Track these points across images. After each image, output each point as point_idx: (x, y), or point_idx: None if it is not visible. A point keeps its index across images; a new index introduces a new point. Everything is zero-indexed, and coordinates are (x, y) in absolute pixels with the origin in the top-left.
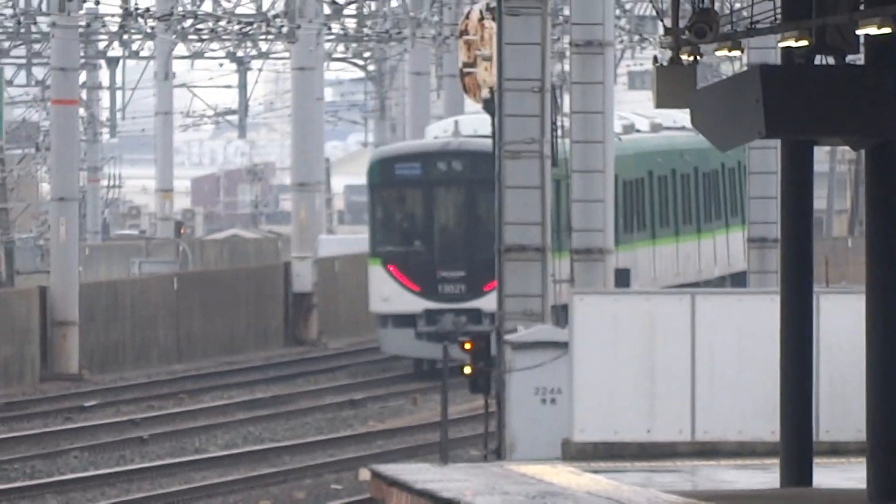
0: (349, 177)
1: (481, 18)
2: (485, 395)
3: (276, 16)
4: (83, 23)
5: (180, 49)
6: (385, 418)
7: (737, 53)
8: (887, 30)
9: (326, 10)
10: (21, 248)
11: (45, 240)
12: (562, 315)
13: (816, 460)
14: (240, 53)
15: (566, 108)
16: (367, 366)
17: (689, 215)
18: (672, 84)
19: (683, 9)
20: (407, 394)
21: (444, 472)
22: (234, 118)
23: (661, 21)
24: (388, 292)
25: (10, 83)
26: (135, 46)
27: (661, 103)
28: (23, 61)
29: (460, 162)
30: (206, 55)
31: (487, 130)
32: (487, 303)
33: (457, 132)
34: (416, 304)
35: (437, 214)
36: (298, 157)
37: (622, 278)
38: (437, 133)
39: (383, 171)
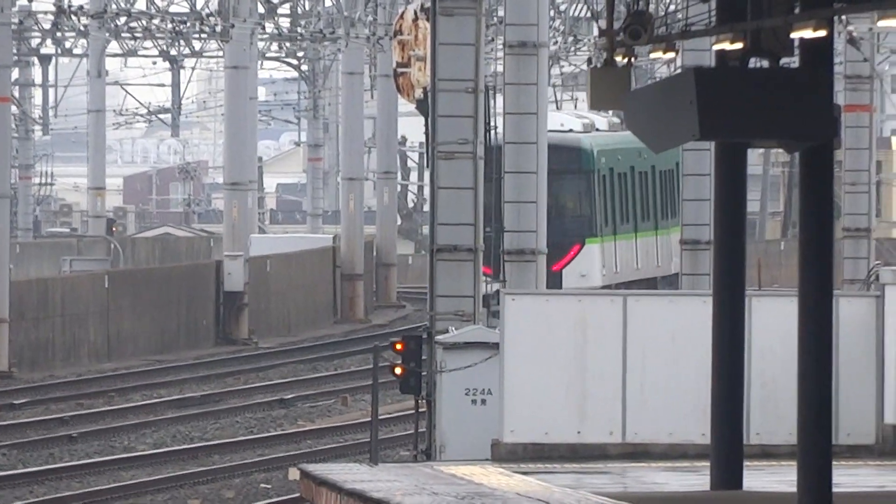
0: (282, 176)
1: (415, 19)
2: (415, 396)
3: (209, 14)
4: (16, 20)
5: (113, 47)
6: (315, 418)
7: (671, 55)
8: (822, 32)
9: (260, 9)
10: None
11: None
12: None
13: (747, 463)
14: (173, 52)
15: (499, 108)
16: (297, 365)
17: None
18: (606, 86)
19: (618, 10)
20: (337, 393)
21: (373, 473)
22: (166, 116)
23: (596, 22)
24: None
25: None
26: (68, 44)
27: (595, 105)
28: None
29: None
30: (139, 53)
31: (573, 125)
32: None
33: None
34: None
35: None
36: (231, 157)
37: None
38: None
39: None
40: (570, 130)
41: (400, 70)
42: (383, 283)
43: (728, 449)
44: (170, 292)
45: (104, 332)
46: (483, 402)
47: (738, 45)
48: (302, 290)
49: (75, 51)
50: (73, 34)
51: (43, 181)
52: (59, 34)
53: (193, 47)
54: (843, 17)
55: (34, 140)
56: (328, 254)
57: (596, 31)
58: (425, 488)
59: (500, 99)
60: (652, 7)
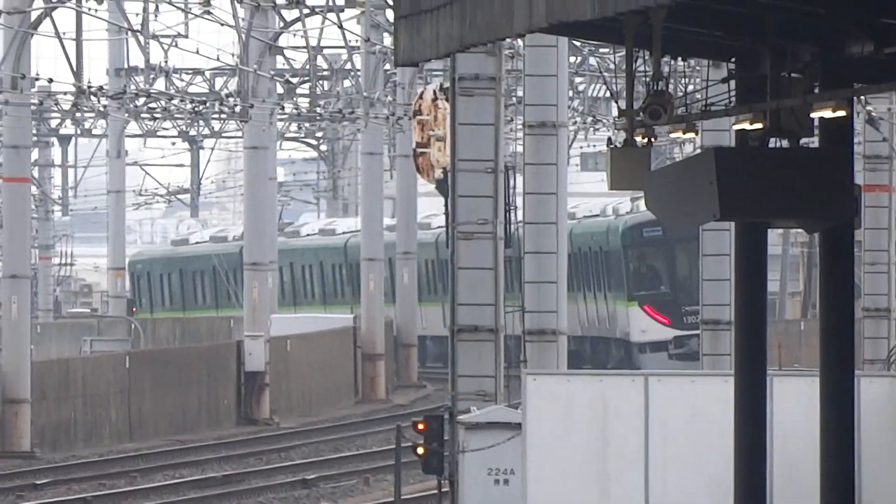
0: None
1: (434, 99)
2: (438, 476)
3: (228, 95)
4: (35, 100)
5: (133, 127)
6: (337, 498)
7: (691, 136)
8: (841, 113)
9: (279, 89)
10: None
11: None
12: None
13: None
14: (192, 132)
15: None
16: (319, 445)
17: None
18: (626, 166)
19: (637, 91)
20: (359, 473)
21: None
22: (186, 197)
23: (616, 102)
24: (645, 326)
25: None
26: (87, 124)
27: (615, 185)
28: None
29: None
30: (158, 134)
31: None
32: None
33: None
34: (667, 332)
35: (678, 264)
36: (251, 237)
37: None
38: None
39: (633, 234)
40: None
41: (419, 150)
42: (404, 362)
43: None
44: (190, 372)
45: (125, 413)
46: (506, 482)
47: (758, 126)
48: (323, 369)
49: (95, 131)
50: (93, 115)
51: (63, 262)
52: (78, 115)
53: (213, 128)
54: (863, 97)
55: (54, 220)
56: (348, 333)
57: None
58: None
59: (519, 179)
60: (671, 87)
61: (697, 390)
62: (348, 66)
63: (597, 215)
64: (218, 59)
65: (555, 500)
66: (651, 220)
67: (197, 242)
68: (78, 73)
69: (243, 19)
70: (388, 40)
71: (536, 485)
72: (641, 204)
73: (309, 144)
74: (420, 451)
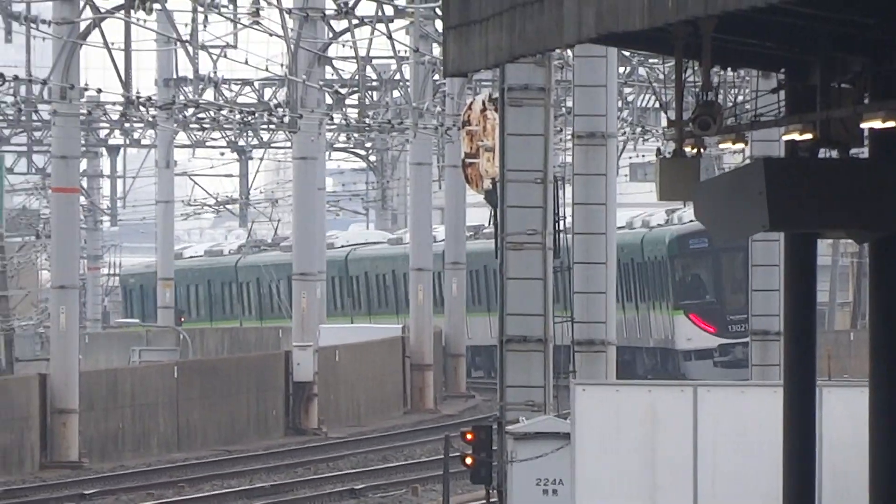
0: None
1: (483, 109)
2: (486, 486)
3: (277, 105)
4: (84, 111)
5: (181, 138)
6: None
7: (740, 146)
8: (891, 123)
9: (328, 99)
10: (21, 336)
11: (44, 327)
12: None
13: None
14: (241, 142)
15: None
16: (368, 455)
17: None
18: (675, 176)
19: (686, 101)
20: (408, 483)
21: None
22: (234, 207)
23: (665, 113)
24: (691, 334)
25: (10, 171)
26: (136, 135)
27: (664, 195)
28: (23, 149)
29: None
30: (207, 144)
31: None
32: None
33: None
34: (712, 340)
35: (724, 272)
36: (299, 247)
37: None
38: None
39: (680, 245)
40: None
41: (468, 160)
42: (452, 373)
43: None
44: (239, 382)
45: (174, 423)
46: (554, 492)
47: (808, 136)
48: (371, 380)
49: (143, 141)
50: (142, 125)
51: (111, 272)
52: (127, 125)
53: (261, 138)
54: None
55: (102, 231)
56: (397, 344)
57: (664, 122)
58: None
59: (568, 189)
60: (721, 98)
61: (746, 401)
62: (397, 76)
63: (622, 227)
64: (267, 70)
65: None
66: (696, 231)
67: (191, 257)
68: (127, 84)
69: (292, 30)
70: (437, 51)
71: (585, 495)
72: (679, 216)
73: (358, 155)
74: (468, 461)
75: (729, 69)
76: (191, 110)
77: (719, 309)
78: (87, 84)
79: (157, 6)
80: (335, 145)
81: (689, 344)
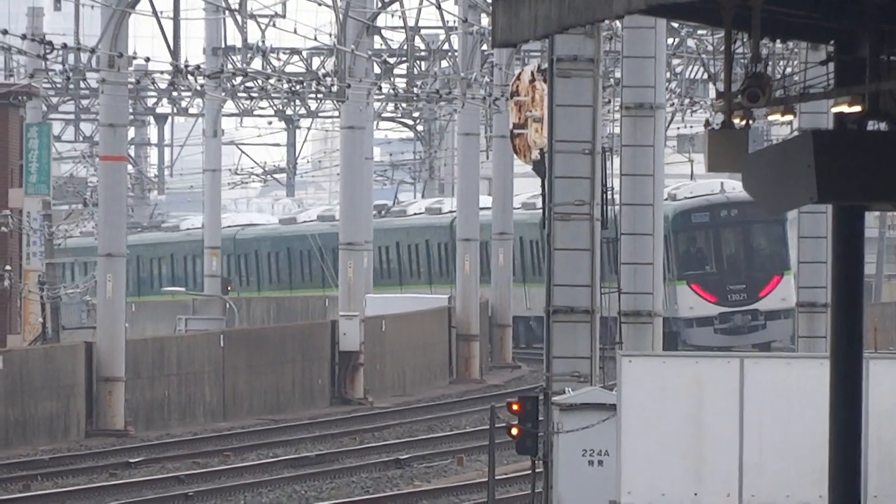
0: None
1: (532, 80)
2: (532, 457)
3: (325, 75)
4: (132, 79)
5: (229, 106)
6: (431, 478)
7: (789, 118)
8: None
9: (376, 69)
10: (67, 304)
11: (91, 295)
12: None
13: None
14: (289, 112)
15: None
16: (413, 425)
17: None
18: (724, 148)
19: (735, 73)
20: (453, 454)
21: None
22: (282, 176)
23: (713, 84)
24: (693, 303)
25: (58, 138)
26: (184, 103)
27: (712, 167)
28: (71, 117)
29: (737, 209)
30: (254, 113)
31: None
32: (763, 304)
33: (723, 190)
34: (713, 309)
35: (724, 245)
36: (346, 217)
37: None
38: (700, 192)
39: (683, 219)
40: None
41: (516, 131)
42: (498, 343)
43: None
44: (285, 352)
45: (220, 391)
46: (600, 463)
47: (857, 108)
48: (417, 350)
49: (191, 110)
50: (189, 94)
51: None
52: (175, 94)
53: (309, 107)
54: None
55: (150, 199)
56: (443, 314)
57: (713, 93)
58: None
59: (616, 160)
60: (770, 69)
61: (793, 372)
62: (446, 46)
63: None
64: (315, 39)
65: (649, 481)
66: (699, 206)
67: (188, 229)
68: (175, 53)
69: None
70: (485, 21)
71: (630, 466)
72: (679, 193)
73: (405, 125)
74: (514, 431)
75: (778, 41)
76: (239, 79)
77: (720, 279)
78: (135, 52)
79: None
80: (383, 115)
81: (691, 312)
